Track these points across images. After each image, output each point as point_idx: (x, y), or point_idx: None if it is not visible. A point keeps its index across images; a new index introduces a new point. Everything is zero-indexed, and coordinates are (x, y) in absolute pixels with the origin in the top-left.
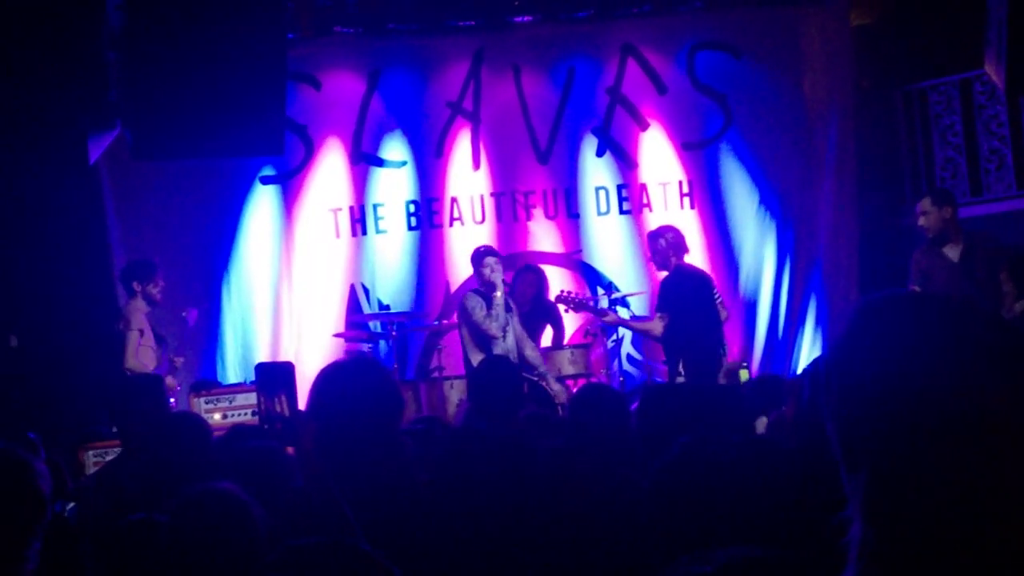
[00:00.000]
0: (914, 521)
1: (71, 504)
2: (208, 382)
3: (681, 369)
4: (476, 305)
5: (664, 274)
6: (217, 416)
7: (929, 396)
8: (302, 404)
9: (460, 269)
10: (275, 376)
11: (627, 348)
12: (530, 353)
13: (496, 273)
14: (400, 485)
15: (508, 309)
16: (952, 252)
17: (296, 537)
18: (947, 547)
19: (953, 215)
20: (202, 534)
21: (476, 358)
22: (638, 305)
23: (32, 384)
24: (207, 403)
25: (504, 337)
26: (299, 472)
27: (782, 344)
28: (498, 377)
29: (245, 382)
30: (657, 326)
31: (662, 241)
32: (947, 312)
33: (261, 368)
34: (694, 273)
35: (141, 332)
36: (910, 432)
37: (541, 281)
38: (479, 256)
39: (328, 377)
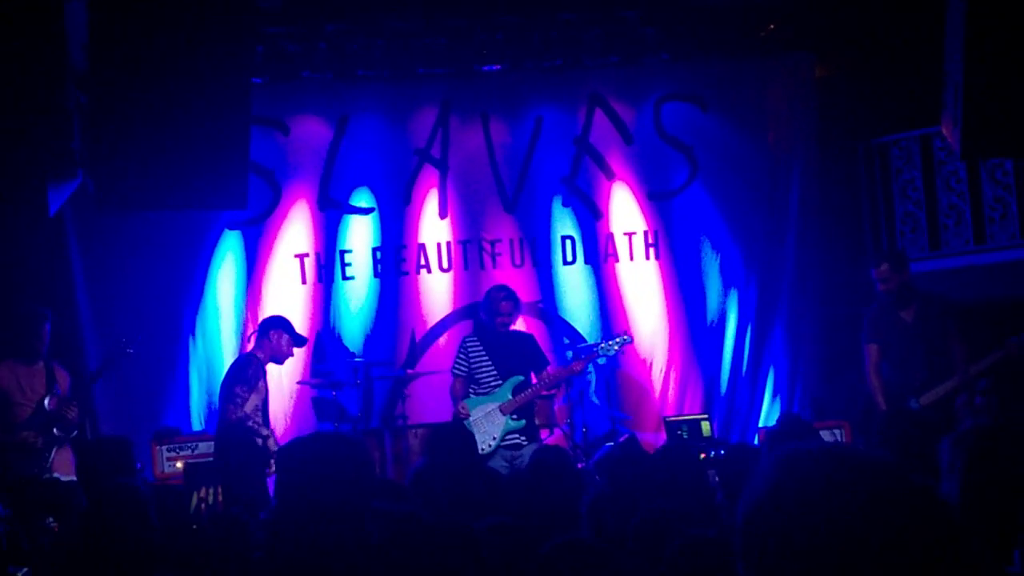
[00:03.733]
0: None
1: (24, 569)
2: (170, 430)
3: None
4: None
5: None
6: (179, 464)
7: (844, 562)
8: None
9: (426, 317)
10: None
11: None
12: None
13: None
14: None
15: None
16: (907, 314)
17: None
18: None
19: (909, 275)
20: None
21: None
22: None
23: None
24: (169, 451)
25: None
26: None
27: (743, 396)
28: None
29: (208, 430)
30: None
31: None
32: (864, 474)
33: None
34: None
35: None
36: None
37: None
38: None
39: (295, 454)
